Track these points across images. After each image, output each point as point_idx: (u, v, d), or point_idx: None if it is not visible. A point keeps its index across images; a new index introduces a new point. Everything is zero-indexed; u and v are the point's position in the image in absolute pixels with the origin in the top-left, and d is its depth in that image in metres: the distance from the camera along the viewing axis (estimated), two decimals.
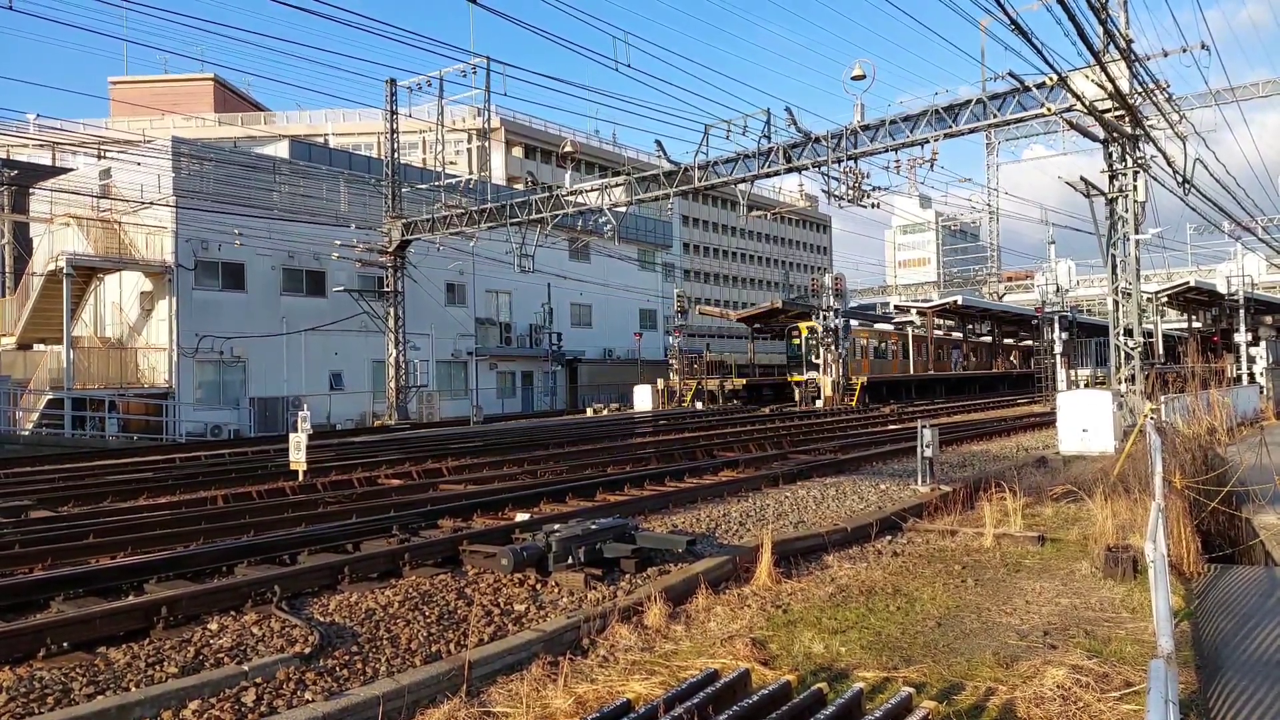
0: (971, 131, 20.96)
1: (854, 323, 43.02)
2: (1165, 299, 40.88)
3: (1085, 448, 17.18)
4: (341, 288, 34.35)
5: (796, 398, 39.63)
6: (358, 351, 36.78)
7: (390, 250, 33.68)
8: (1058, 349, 34.66)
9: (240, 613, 6.83)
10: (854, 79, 22.80)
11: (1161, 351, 39.97)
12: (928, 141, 21.41)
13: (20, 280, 35.21)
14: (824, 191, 23.41)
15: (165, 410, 30.89)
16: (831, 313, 39.81)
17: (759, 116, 23.20)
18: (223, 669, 5.56)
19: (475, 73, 28.80)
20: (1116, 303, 19.72)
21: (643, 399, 40.53)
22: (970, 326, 56.81)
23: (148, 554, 8.95)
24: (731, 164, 24.65)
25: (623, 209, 27.62)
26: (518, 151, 64.23)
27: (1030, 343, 55.51)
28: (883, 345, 46.97)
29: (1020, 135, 65.08)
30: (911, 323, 52.11)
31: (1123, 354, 19.67)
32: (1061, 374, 34.23)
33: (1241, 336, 33.31)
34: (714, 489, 13.10)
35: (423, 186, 35.33)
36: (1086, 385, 33.63)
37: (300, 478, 14.85)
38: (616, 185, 27.31)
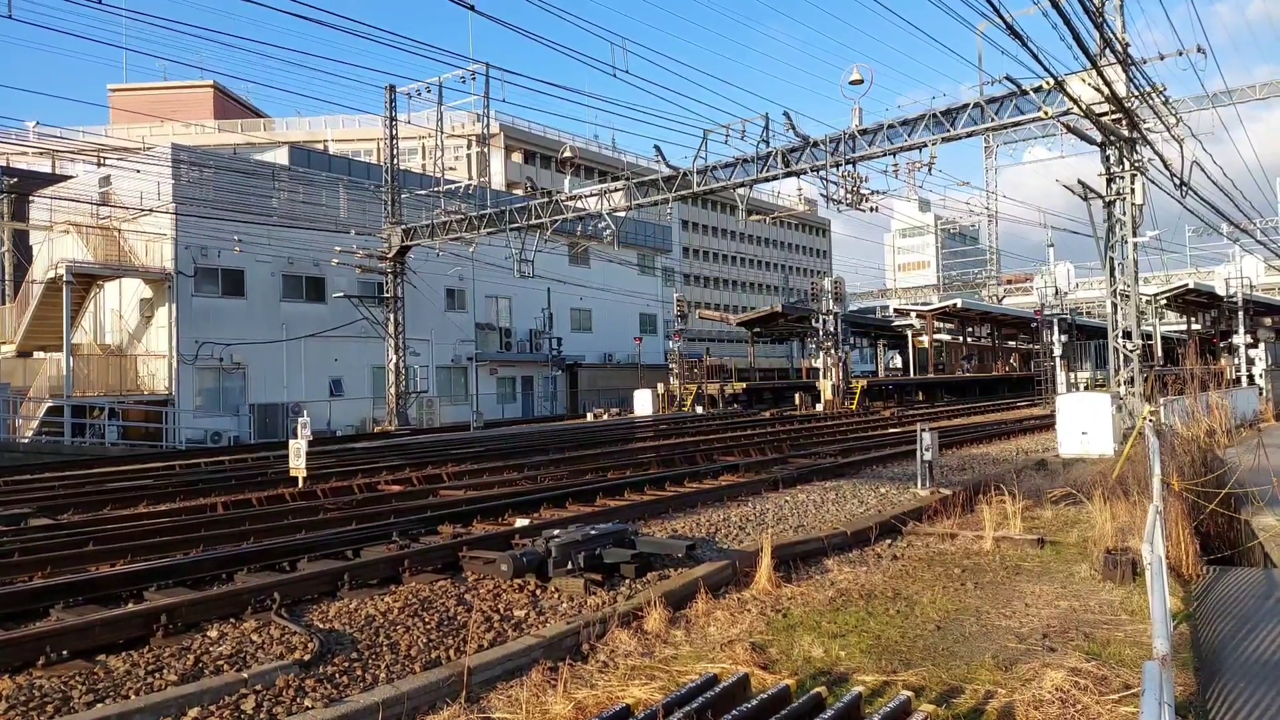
0: (969, 135, 20.98)
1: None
2: (1164, 301, 40.93)
3: (1085, 450, 17.19)
4: (341, 294, 34.37)
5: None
6: (358, 357, 36.79)
7: (390, 256, 33.71)
8: (1057, 351, 34.68)
9: (240, 620, 6.84)
10: (852, 83, 22.82)
11: (1161, 354, 40.01)
12: (926, 145, 21.44)
13: (20, 288, 35.23)
14: (823, 196, 23.44)
15: (165, 417, 30.87)
16: (831, 317, 39.85)
17: (757, 121, 23.27)
18: (222, 676, 5.57)
19: (474, 79, 28.93)
20: (1115, 305, 19.74)
21: (643, 403, 40.53)
22: (970, 329, 56.86)
23: (147, 561, 8.95)
24: (730, 168, 24.69)
25: (622, 214, 27.65)
26: (517, 157, 64.33)
27: (1030, 345, 55.57)
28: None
29: (1019, 139, 65.23)
30: (911, 326, 52.17)
31: (1122, 356, 19.69)
32: (1061, 376, 34.24)
33: (1240, 338, 33.31)
34: (714, 493, 13.11)
35: (422, 192, 35.35)
36: (1086, 388, 33.65)
37: (300, 484, 14.85)
38: (616, 190, 27.33)
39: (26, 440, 28.14)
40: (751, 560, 8.32)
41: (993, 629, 6.69)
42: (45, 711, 5.11)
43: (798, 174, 23.81)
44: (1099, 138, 18.71)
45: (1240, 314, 34.14)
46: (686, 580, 7.76)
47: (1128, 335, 19.63)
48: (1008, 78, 16.45)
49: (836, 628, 6.78)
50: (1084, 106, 17.15)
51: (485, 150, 34.18)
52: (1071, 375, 35.59)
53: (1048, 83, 15.38)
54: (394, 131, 34.08)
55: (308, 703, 5.30)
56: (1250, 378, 31.71)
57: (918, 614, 7.11)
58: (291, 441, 15.59)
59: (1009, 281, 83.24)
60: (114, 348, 33.72)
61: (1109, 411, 17.55)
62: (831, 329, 39.78)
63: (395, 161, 34.42)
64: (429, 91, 31.60)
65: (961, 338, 55.81)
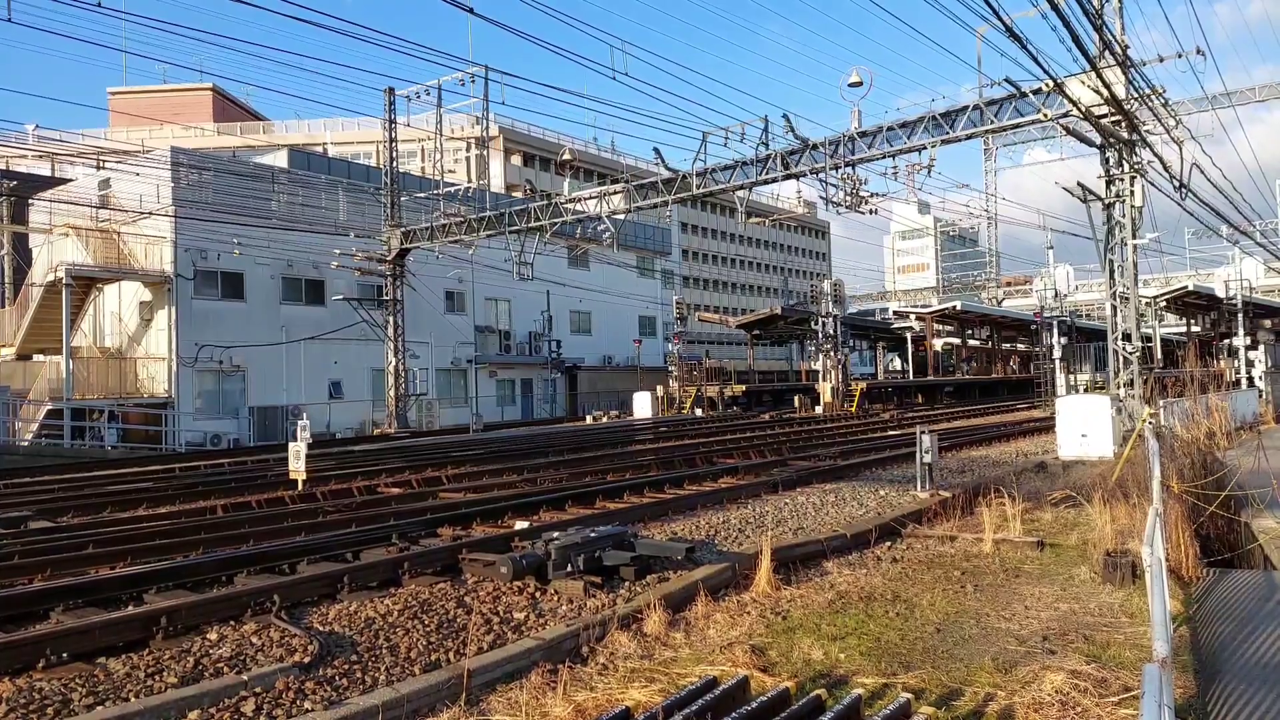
0: (969, 138, 20.96)
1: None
2: (1164, 303, 40.94)
3: (1084, 452, 17.19)
4: (341, 296, 34.36)
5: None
6: (357, 360, 36.78)
7: (389, 259, 33.72)
8: (1057, 354, 34.68)
9: (240, 622, 6.84)
10: (851, 85, 22.81)
11: (1160, 356, 40.03)
12: (925, 148, 21.43)
13: (20, 291, 35.22)
14: (822, 198, 23.44)
15: (165, 420, 30.86)
16: (830, 319, 39.85)
17: (757, 124, 23.27)
18: (222, 679, 5.57)
19: (474, 81, 28.89)
20: (1115, 307, 19.74)
21: (642, 406, 40.52)
22: (969, 332, 56.87)
23: (147, 564, 8.95)
24: (729, 171, 24.69)
25: (621, 216, 27.66)
26: (516, 159, 64.38)
27: (1030, 348, 55.59)
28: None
29: (1019, 141, 65.30)
30: (910, 328, 52.20)
31: (1121, 359, 19.69)
32: (1060, 379, 34.24)
33: (1240, 340, 33.34)
34: (713, 496, 13.11)
35: (422, 195, 35.36)
36: (1086, 390, 33.66)
37: (300, 487, 14.85)
38: (615, 193, 27.34)
39: (26, 443, 28.13)
40: (751, 563, 8.32)
41: (992, 631, 6.69)
42: (45, 714, 5.11)
43: (797, 176, 23.81)
44: (1098, 140, 18.72)
45: (1240, 316, 34.17)
46: (686, 582, 7.76)
47: (1127, 337, 19.63)
48: (1007, 80, 16.41)
49: (836, 630, 6.78)
50: (1083, 109, 17.16)
51: (484, 153, 34.24)
52: (1071, 377, 35.60)
53: (1047, 85, 15.39)
54: (393, 134, 34.08)
55: (307, 705, 5.30)
56: (1250, 380, 31.74)
57: (917, 616, 7.11)
58: (291, 444, 15.59)
59: (1009, 284, 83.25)
60: (113, 350, 33.71)
61: (1108, 414, 17.56)
62: (831, 331, 39.77)
63: (394, 164, 34.43)
64: (428, 94, 31.63)
65: (961, 340, 55.83)
